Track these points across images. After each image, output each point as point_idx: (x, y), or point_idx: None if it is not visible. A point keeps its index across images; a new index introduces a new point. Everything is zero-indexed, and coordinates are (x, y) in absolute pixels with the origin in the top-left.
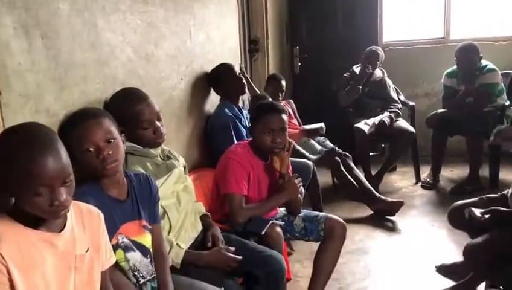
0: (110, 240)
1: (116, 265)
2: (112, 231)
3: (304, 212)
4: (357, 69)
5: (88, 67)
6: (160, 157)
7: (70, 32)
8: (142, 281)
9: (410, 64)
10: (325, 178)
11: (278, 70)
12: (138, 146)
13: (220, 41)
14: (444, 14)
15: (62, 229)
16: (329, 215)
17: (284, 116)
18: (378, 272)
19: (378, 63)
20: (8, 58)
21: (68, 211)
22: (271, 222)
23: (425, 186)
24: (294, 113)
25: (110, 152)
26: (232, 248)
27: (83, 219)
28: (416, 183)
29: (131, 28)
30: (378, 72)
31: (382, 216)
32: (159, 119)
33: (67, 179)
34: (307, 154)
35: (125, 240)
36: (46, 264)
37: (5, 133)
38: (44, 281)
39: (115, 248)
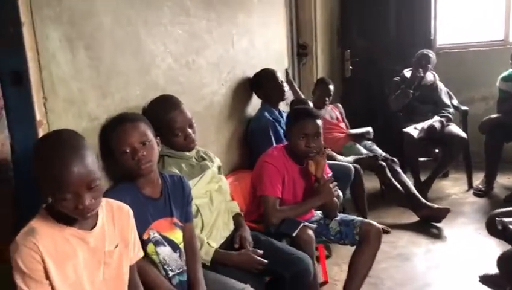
0: (142, 235)
1: (148, 258)
2: (144, 226)
3: (340, 216)
4: (407, 73)
5: (129, 75)
6: (195, 159)
7: (113, 43)
8: (170, 274)
9: (466, 68)
10: (373, 183)
11: (327, 74)
12: (173, 150)
13: (264, 48)
14: (503, 16)
15: (94, 227)
16: (365, 219)
17: (319, 122)
18: (418, 278)
19: (429, 66)
20: (54, 67)
21: (95, 212)
22: (302, 224)
23: (478, 193)
24: (342, 117)
25: (145, 153)
26: (260, 252)
27: (113, 216)
28: (468, 190)
29: (172, 39)
30: (429, 76)
31: (428, 223)
32: (190, 126)
33: (92, 185)
34: (343, 159)
35: (156, 235)
36: (78, 258)
37: (39, 140)
38: (75, 274)
39: (147, 242)
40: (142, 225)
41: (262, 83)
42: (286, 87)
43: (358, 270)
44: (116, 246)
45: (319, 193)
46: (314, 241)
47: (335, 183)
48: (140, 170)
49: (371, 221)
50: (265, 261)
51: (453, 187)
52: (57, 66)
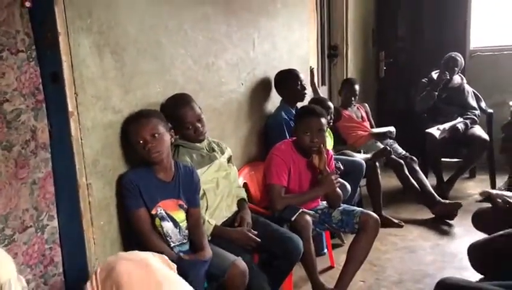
0: (151, 210)
1: (156, 230)
2: (153, 203)
3: (343, 206)
4: (435, 74)
5: (150, 75)
6: (206, 149)
7: (136, 48)
8: (172, 245)
9: (499, 71)
10: (394, 180)
11: (359, 74)
12: (187, 141)
13: (287, 50)
14: None
15: None
16: (365, 210)
17: (323, 120)
18: (419, 269)
19: (456, 69)
20: (84, 69)
21: None
22: (301, 210)
23: None
24: (368, 117)
25: (154, 144)
26: (255, 232)
27: None
28: None
29: (192, 43)
30: (456, 79)
31: (442, 220)
32: (199, 121)
33: None
34: (361, 156)
35: (162, 211)
36: None
37: None
38: None
39: (154, 216)
40: (151, 202)
41: (284, 82)
42: (308, 88)
43: (354, 256)
44: None
45: (321, 183)
46: (311, 227)
47: (337, 175)
48: (150, 158)
49: (370, 212)
50: (258, 239)
51: (476, 188)
52: (86, 68)
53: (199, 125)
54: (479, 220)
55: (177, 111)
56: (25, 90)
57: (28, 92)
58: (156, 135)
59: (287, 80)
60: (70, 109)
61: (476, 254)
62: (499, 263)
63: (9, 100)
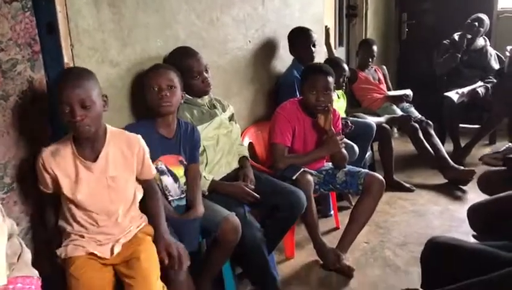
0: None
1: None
2: (153, 157)
3: (348, 167)
4: (457, 36)
5: (150, 29)
6: (207, 106)
7: (135, 0)
8: (170, 198)
9: None
10: (412, 146)
11: (379, 36)
12: (189, 96)
13: (299, 8)
14: None
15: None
16: (370, 172)
17: (330, 78)
18: (425, 233)
19: (481, 30)
20: (80, 20)
21: (89, 131)
22: (302, 169)
23: None
24: (385, 79)
25: (168, 94)
26: (252, 186)
27: (122, 145)
28: None
29: None
30: (480, 41)
31: (455, 185)
32: (206, 71)
33: (85, 104)
34: (374, 119)
35: (162, 166)
36: (82, 181)
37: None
38: (82, 193)
39: None
40: (151, 156)
41: (295, 42)
42: (323, 48)
43: (357, 218)
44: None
45: (326, 144)
46: (312, 186)
47: (342, 136)
48: (160, 107)
49: (375, 174)
50: (257, 195)
51: None
52: (82, 19)
53: (207, 75)
54: (487, 184)
55: (185, 60)
56: (21, 40)
57: (24, 42)
58: (172, 87)
59: (297, 40)
60: (65, 60)
61: (477, 214)
62: (500, 223)
63: (5, 49)
